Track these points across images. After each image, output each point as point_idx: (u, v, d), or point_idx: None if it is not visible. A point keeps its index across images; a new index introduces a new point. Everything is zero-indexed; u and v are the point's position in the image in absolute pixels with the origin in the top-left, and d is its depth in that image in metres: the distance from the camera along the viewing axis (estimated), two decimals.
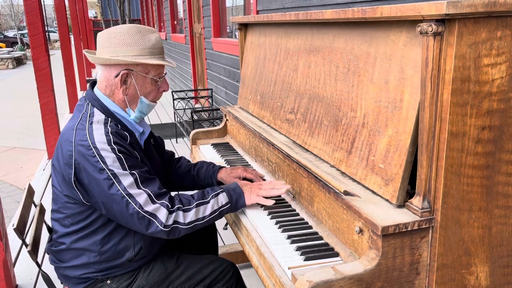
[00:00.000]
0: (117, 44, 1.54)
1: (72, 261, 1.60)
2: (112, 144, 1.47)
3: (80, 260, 1.58)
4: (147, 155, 1.67)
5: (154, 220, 1.47)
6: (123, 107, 1.61)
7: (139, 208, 1.46)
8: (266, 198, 1.67)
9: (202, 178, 1.93)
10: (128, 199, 1.45)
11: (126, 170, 1.47)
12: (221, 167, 1.94)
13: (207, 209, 1.57)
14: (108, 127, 1.52)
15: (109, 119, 1.56)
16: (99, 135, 1.48)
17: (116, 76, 1.56)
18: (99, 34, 1.61)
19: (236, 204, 1.64)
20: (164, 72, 1.65)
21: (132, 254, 1.59)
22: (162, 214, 1.48)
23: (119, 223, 1.55)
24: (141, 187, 1.48)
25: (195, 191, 1.67)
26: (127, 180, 1.46)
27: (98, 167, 1.44)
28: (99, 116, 1.55)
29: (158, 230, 1.48)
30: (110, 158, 1.45)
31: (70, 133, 1.51)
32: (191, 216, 1.53)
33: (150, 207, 1.47)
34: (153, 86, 1.61)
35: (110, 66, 1.56)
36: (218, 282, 1.68)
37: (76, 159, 1.46)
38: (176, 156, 2.05)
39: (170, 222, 1.49)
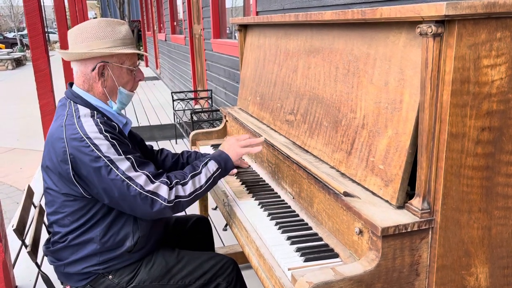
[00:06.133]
0: (90, 38, 1.57)
1: (72, 256, 1.60)
2: (104, 132, 1.51)
3: (81, 254, 1.59)
4: (133, 145, 1.69)
5: (157, 198, 1.52)
6: (104, 100, 1.64)
7: (140, 189, 1.50)
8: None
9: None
10: (129, 182, 1.49)
11: (121, 155, 1.51)
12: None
13: (202, 179, 1.65)
14: (96, 118, 1.55)
15: (95, 112, 1.59)
16: (90, 126, 1.51)
17: (93, 69, 1.59)
18: (69, 31, 1.63)
19: (226, 168, 1.74)
20: (138, 62, 1.71)
21: (131, 243, 1.60)
22: (163, 191, 1.53)
23: (119, 211, 1.57)
24: (138, 170, 1.52)
25: (186, 167, 1.73)
26: (124, 164, 1.50)
27: (94, 156, 1.47)
28: (84, 110, 1.58)
29: (163, 207, 1.52)
30: (104, 145, 1.48)
31: (60, 130, 1.52)
32: (189, 188, 1.60)
33: (150, 187, 1.52)
34: (129, 76, 1.66)
35: (85, 60, 1.59)
36: (219, 276, 1.70)
37: (70, 153, 1.48)
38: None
39: (173, 197, 1.55)
